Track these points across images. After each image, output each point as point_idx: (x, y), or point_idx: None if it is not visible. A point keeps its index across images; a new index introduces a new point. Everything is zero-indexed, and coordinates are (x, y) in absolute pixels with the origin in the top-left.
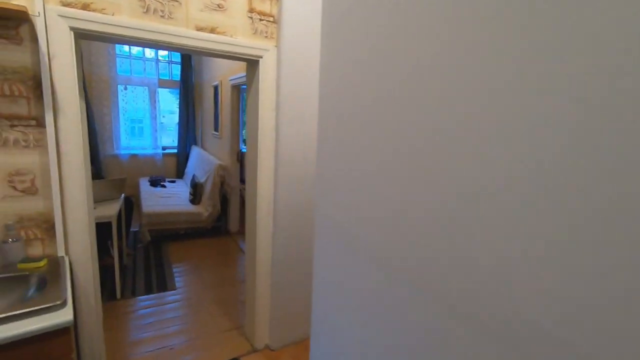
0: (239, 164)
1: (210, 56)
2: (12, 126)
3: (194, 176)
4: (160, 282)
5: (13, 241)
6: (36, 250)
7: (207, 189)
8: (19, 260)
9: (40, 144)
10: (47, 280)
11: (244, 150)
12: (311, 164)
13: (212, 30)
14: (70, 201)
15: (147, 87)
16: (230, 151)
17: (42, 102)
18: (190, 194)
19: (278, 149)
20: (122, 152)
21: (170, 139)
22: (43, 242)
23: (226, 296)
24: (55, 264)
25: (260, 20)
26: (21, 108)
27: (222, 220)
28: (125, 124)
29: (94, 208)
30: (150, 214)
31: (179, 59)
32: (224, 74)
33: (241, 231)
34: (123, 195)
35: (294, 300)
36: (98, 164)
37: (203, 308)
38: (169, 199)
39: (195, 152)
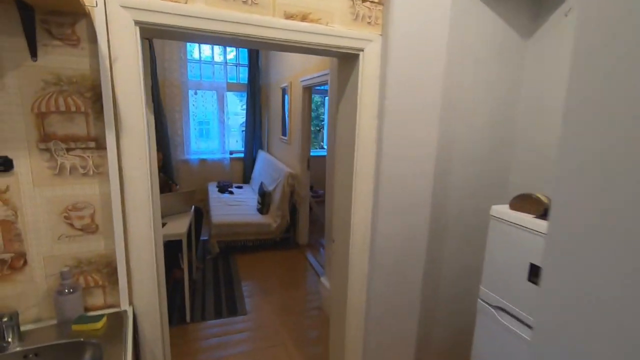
0: (309, 172)
1: (298, 52)
2: (68, 149)
3: (262, 184)
4: (230, 304)
5: (70, 292)
6: (97, 299)
7: (276, 198)
8: (75, 319)
9: (101, 171)
10: (103, 351)
11: (314, 154)
12: (424, 190)
13: (304, 18)
14: (135, 240)
15: (215, 92)
16: (300, 158)
17: (102, 119)
18: (259, 202)
19: (380, 168)
20: (192, 157)
21: (236, 142)
22: (104, 290)
23: (299, 326)
24: (116, 321)
25: (363, 1)
26: (79, 127)
27: (290, 232)
28: (195, 128)
29: (163, 224)
30: (219, 225)
31: (246, 61)
32: (294, 75)
33: (311, 244)
34: (193, 207)
35: (391, 352)
36: (170, 170)
37: (277, 340)
38: (237, 208)
39: (262, 157)
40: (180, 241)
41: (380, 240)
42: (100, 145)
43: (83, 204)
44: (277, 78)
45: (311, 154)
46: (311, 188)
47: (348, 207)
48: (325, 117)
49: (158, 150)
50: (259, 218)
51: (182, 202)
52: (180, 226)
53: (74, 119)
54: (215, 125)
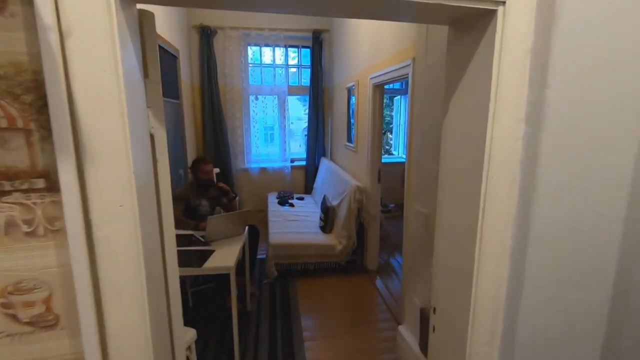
0: (379, 185)
1: (387, 17)
2: (2, 194)
3: (325, 199)
4: (287, 350)
5: None
6: None
7: (341, 215)
8: None
9: (57, 227)
10: None
11: (386, 160)
12: (610, 246)
13: None
14: (118, 339)
15: (276, 96)
16: (369, 168)
17: (52, 140)
18: (321, 219)
19: (532, 208)
20: (252, 165)
21: (297, 148)
22: None
23: None
24: None
25: None
26: (16, 154)
27: (357, 254)
28: (255, 136)
29: (210, 253)
30: (277, 246)
31: (309, 62)
32: (362, 71)
33: (381, 268)
34: (247, 228)
35: None
36: (230, 181)
37: None
38: (297, 224)
39: (325, 165)
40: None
41: (526, 330)
42: (54, 185)
43: (31, 283)
44: (342, 78)
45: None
46: (385, 206)
47: (467, 267)
48: (397, 118)
49: (208, 162)
50: (321, 238)
51: (235, 224)
52: (229, 255)
53: (8, 142)
54: (276, 132)
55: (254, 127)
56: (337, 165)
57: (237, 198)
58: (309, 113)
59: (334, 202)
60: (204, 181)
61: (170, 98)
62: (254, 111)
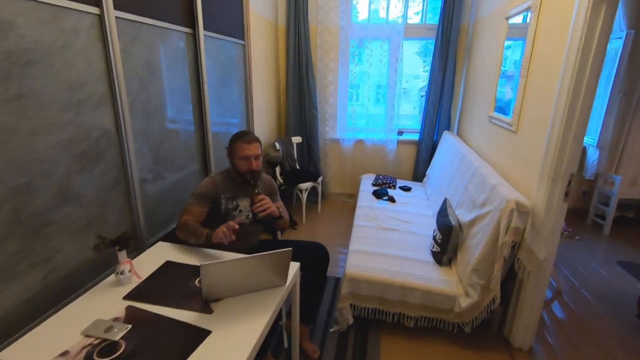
0: (565, 206)
1: None
2: None
3: (445, 204)
4: None
5: None
6: None
7: (475, 245)
8: None
9: None
10: None
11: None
12: None
13: None
14: None
15: (387, 40)
16: (547, 170)
17: None
18: (436, 240)
19: None
20: (346, 135)
21: (409, 115)
22: None
23: None
24: None
25: None
26: None
27: (494, 314)
28: (352, 96)
29: (208, 332)
30: (356, 279)
31: None
32: None
33: (538, 354)
34: (298, 267)
35: None
36: (314, 154)
37: None
38: (396, 238)
39: (449, 144)
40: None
41: None
42: None
43: None
44: (495, 4)
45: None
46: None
47: None
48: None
49: (251, 141)
50: (433, 277)
51: (263, 272)
52: (241, 343)
53: None
54: (382, 91)
55: (351, 83)
56: (470, 149)
57: (282, 218)
58: (432, 65)
59: (463, 217)
60: (243, 173)
61: (225, 35)
62: (353, 61)
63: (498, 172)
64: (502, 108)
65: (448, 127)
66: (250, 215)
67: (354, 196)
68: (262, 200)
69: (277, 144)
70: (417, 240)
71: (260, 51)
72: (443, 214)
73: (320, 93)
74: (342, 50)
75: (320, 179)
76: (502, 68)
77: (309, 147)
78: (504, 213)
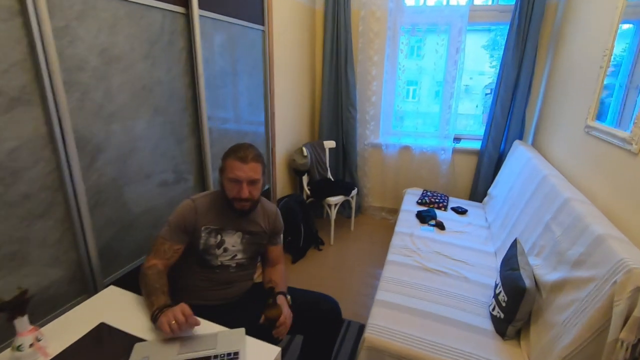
0: None
1: None
2: None
3: (515, 247)
4: None
5: None
6: None
7: (567, 331)
8: None
9: None
10: None
11: None
12: None
13: None
14: None
15: (447, 27)
16: None
17: None
18: (499, 302)
19: None
20: (390, 140)
21: (469, 121)
22: None
23: None
24: None
25: None
26: None
27: None
28: (399, 94)
29: None
30: (376, 349)
31: None
32: None
33: None
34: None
35: None
36: (351, 162)
37: None
38: (441, 282)
39: (522, 158)
40: None
41: None
42: None
43: None
44: None
45: None
46: None
47: None
48: None
49: (247, 159)
50: (488, 354)
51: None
52: None
53: None
54: (436, 90)
55: (399, 79)
56: (553, 168)
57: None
58: (503, 56)
59: (543, 273)
60: (230, 200)
61: (234, 17)
62: (402, 53)
63: (603, 213)
64: (609, 115)
65: (521, 136)
66: (239, 256)
67: (396, 212)
68: (280, 323)
69: (304, 149)
70: (471, 290)
71: (290, 40)
72: (511, 264)
73: (361, 90)
74: (389, 39)
75: (354, 191)
76: (611, 60)
77: (345, 154)
78: (621, 290)
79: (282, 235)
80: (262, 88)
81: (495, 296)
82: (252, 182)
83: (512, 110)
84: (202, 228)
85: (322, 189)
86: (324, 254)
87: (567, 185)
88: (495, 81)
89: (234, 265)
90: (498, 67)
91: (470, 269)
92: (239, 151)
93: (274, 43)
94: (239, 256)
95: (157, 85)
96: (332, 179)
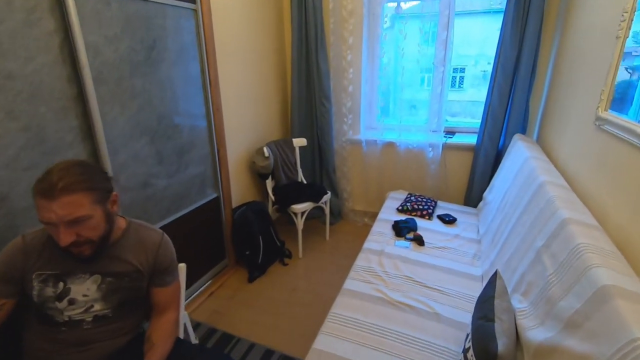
0: None
1: None
2: None
3: (488, 300)
4: None
5: None
6: None
7: None
8: None
9: None
10: None
11: None
12: None
13: None
14: None
15: (437, 14)
16: None
17: None
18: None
19: None
20: (371, 136)
21: (464, 110)
22: None
23: None
24: None
25: None
26: None
27: None
28: (382, 85)
29: None
30: None
31: None
32: None
33: None
34: None
35: None
36: (326, 160)
37: None
38: (406, 321)
39: (519, 157)
40: None
41: None
42: None
43: None
44: None
45: None
46: None
47: None
48: None
49: (64, 191)
50: None
51: None
52: None
53: None
54: (423, 76)
55: (381, 68)
56: (557, 172)
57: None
58: (501, 35)
59: (528, 327)
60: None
61: None
62: (384, 42)
63: (615, 244)
64: (626, 105)
65: (523, 130)
66: (96, 307)
67: (373, 216)
68: None
69: (265, 149)
70: (442, 334)
71: (245, 20)
72: (485, 309)
73: (336, 79)
74: (366, 18)
75: (326, 197)
76: (630, 36)
77: (321, 153)
78: None
79: (175, 273)
80: (200, 78)
81: (464, 352)
82: (73, 223)
83: (512, 98)
84: (34, 275)
85: (287, 195)
86: (289, 270)
87: (569, 199)
88: (493, 64)
89: (90, 319)
90: (497, 46)
91: (446, 300)
92: (42, 181)
93: (214, 24)
94: (97, 307)
95: (7, 81)
96: (304, 182)
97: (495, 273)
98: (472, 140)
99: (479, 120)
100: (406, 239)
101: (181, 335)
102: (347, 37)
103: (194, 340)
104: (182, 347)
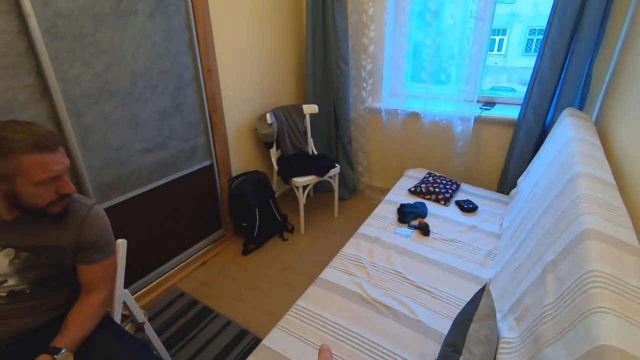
0: None
1: None
2: None
3: (462, 325)
4: None
5: None
6: None
7: None
8: None
9: None
10: None
11: None
12: None
13: None
14: None
15: None
16: None
17: None
18: None
19: None
20: (394, 105)
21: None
22: None
23: None
24: None
25: None
26: None
27: None
28: (408, 43)
29: None
30: None
31: None
32: None
33: None
34: None
35: None
36: (341, 130)
37: None
38: (381, 324)
39: (563, 138)
40: None
41: None
42: None
43: None
44: None
45: None
46: None
47: None
48: None
49: (56, 143)
50: None
51: None
52: None
53: None
54: (458, 39)
55: (409, 18)
56: (605, 161)
57: None
58: (555, 4)
59: None
60: (47, 207)
61: None
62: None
63: None
64: None
65: (580, 104)
66: (10, 283)
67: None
68: None
69: (268, 116)
70: (415, 345)
71: None
72: (457, 335)
73: (355, 37)
74: None
75: (334, 170)
76: None
77: (337, 121)
78: None
79: (106, 250)
80: (186, 34)
81: None
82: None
83: (569, 62)
84: None
85: (290, 166)
86: (287, 245)
87: (606, 202)
88: (547, 20)
89: (4, 294)
90: (548, 21)
91: (435, 305)
92: (34, 138)
93: None
94: (11, 282)
95: None
96: (314, 153)
97: (484, 287)
98: (513, 113)
99: (525, 91)
100: (409, 226)
101: (117, 318)
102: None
103: (141, 318)
104: (103, 331)
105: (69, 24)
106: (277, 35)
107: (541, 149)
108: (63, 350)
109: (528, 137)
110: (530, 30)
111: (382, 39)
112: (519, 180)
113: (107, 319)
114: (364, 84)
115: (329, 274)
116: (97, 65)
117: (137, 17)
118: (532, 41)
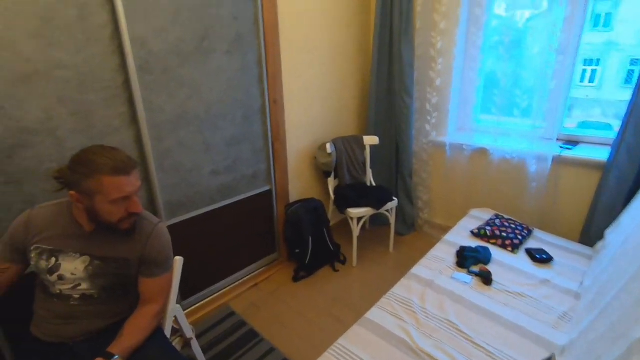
0: None
1: None
2: None
3: None
4: None
5: None
6: None
7: None
8: None
9: None
10: None
11: None
12: None
13: None
14: None
15: None
16: None
17: None
18: None
19: None
20: (459, 139)
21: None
22: None
23: None
24: None
25: None
26: None
27: None
28: (478, 77)
29: None
30: None
31: None
32: None
33: None
34: None
35: None
36: (403, 163)
37: None
38: None
39: None
40: None
41: None
42: None
43: None
44: None
45: None
46: None
47: None
48: None
49: (131, 166)
50: None
51: None
52: None
53: None
54: (536, 65)
55: (478, 60)
56: None
57: None
58: None
59: None
60: (114, 224)
61: None
62: (491, 27)
63: None
64: None
65: None
66: (83, 287)
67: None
68: None
69: (328, 146)
70: None
71: (315, 6)
72: None
73: (421, 70)
74: (463, 5)
75: (391, 204)
76: None
77: (398, 154)
78: None
79: (166, 266)
80: (257, 69)
81: None
82: (137, 192)
83: None
84: (32, 247)
85: (346, 196)
86: (338, 276)
87: None
88: None
89: (77, 297)
90: None
91: None
92: (114, 162)
93: (278, 11)
94: (84, 286)
95: (58, 70)
96: (372, 184)
97: (550, 358)
98: (601, 155)
99: (619, 128)
100: (469, 272)
101: (168, 331)
102: (438, 20)
103: (190, 334)
104: (153, 344)
105: (158, 61)
106: (342, 69)
107: (636, 197)
108: (116, 357)
109: (620, 182)
110: (632, 60)
111: (450, 72)
112: (607, 232)
113: (158, 332)
114: (428, 117)
115: (375, 314)
116: (179, 96)
117: (216, 55)
118: (633, 72)
